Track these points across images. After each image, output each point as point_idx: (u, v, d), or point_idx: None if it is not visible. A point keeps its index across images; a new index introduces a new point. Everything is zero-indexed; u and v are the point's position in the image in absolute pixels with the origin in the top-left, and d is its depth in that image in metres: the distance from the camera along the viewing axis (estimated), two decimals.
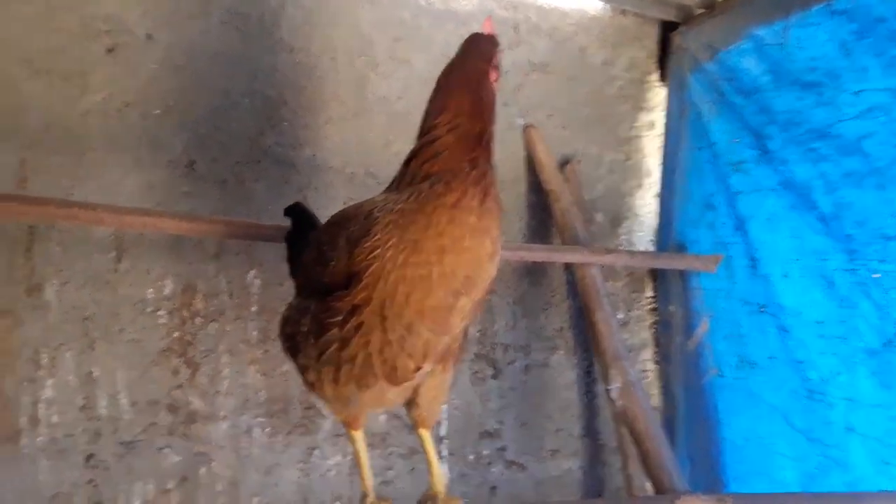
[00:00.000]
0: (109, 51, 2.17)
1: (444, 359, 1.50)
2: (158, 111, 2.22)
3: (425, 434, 1.63)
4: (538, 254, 2.57)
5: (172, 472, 2.14)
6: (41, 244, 2.03)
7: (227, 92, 2.31)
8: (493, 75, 1.46)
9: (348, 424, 1.60)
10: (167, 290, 2.19)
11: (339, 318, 1.38)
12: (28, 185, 2.04)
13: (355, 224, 1.39)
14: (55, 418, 2.00)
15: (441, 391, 1.60)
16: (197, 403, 2.19)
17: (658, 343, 3.05)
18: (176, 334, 2.18)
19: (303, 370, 1.53)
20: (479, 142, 1.37)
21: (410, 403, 1.60)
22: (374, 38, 2.53)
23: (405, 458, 2.44)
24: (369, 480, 1.60)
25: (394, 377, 1.42)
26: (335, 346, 1.40)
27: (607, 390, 2.41)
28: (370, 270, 1.32)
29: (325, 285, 1.43)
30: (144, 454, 2.11)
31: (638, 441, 2.31)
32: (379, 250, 1.32)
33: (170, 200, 2.21)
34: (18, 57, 2.06)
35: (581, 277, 2.62)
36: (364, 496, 1.60)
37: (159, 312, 2.17)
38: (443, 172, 1.33)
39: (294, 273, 1.76)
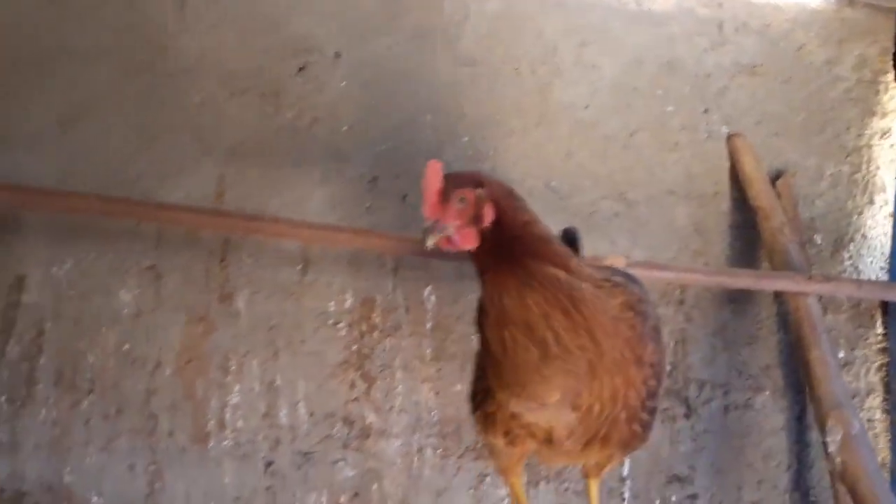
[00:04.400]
0: (301, 69, 2.25)
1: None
2: (345, 127, 2.26)
3: (593, 485, 1.56)
4: (742, 279, 2.26)
5: (346, 486, 2.14)
6: (235, 254, 2.13)
7: (410, 107, 2.30)
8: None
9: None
10: (348, 304, 2.21)
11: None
12: (225, 197, 2.15)
13: None
14: (240, 423, 2.08)
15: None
16: (371, 418, 2.17)
17: (889, 389, 2.57)
18: (354, 347, 2.19)
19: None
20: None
21: None
22: (558, 44, 2.41)
23: (580, 496, 2.25)
24: None
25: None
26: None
27: (824, 443, 2.05)
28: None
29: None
30: (320, 466, 2.13)
31: None
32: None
33: (353, 215, 2.23)
34: (220, 78, 2.20)
35: (794, 309, 2.27)
36: None
37: (339, 325, 2.19)
38: None
39: None
